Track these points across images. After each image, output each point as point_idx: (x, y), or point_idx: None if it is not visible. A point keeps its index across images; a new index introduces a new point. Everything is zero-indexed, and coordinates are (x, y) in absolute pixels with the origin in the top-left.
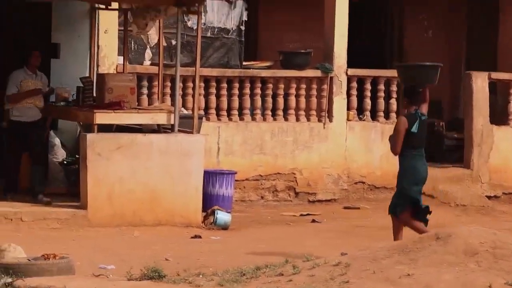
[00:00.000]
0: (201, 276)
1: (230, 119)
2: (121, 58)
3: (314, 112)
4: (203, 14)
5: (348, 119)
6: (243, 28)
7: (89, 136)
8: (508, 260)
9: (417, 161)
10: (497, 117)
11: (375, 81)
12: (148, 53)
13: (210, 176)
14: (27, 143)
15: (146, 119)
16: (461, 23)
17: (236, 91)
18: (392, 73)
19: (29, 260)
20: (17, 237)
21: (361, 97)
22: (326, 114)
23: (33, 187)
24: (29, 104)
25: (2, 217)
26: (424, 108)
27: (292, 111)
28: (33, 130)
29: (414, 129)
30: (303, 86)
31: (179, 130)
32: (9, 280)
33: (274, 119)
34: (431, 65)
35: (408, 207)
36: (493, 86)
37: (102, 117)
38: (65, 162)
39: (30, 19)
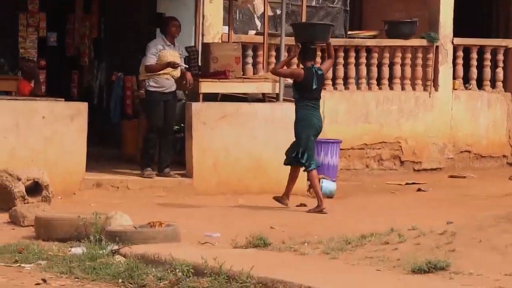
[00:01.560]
0: (306, 244)
1: (335, 88)
2: (226, 27)
3: (419, 81)
4: None
5: (453, 88)
6: None
7: (195, 105)
8: None
9: (310, 110)
10: None
11: (481, 50)
12: (256, 23)
13: (315, 145)
14: (163, 114)
15: (251, 88)
16: None
17: (341, 61)
18: (499, 42)
19: (135, 227)
20: (123, 205)
21: (467, 66)
22: (432, 83)
23: (161, 160)
24: (167, 75)
25: (109, 185)
26: (328, 63)
27: (397, 80)
28: (169, 101)
29: (315, 84)
30: (409, 55)
31: (284, 99)
32: (116, 247)
33: (379, 88)
34: (320, 23)
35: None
36: None
37: (207, 86)
38: None
39: None
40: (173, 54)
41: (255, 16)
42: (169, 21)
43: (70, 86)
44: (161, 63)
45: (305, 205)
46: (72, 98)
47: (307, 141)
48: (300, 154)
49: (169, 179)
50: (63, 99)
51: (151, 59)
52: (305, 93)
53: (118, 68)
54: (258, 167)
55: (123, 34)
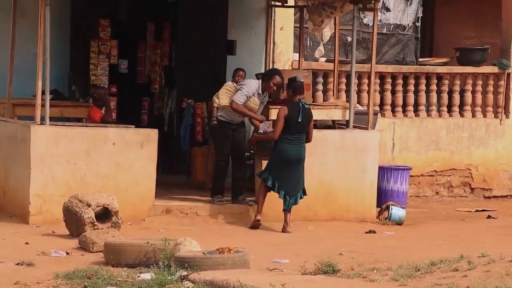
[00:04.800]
0: (375, 271)
1: (405, 115)
2: (297, 54)
3: (490, 108)
4: (379, 11)
5: None
6: (419, 24)
7: None
8: None
9: (289, 144)
10: None
11: None
12: (319, 50)
13: (385, 172)
14: (232, 143)
15: (321, 115)
16: None
17: (411, 87)
18: None
19: (204, 253)
20: (192, 231)
21: None
22: (503, 110)
23: (235, 187)
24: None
25: (178, 211)
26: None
27: (468, 107)
28: (238, 130)
29: (300, 118)
30: (480, 82)
31: (354, 126)
32: (185, 273)
33: (450, 115)
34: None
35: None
36: None
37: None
38: None
39: (207, 17)
40: (257, 103)
41: (322, 43)
42: (274, 76)
43: (141, 113)
44: (245, 111)
45: (374, 232)
46: (142, 125)
47: (273, 170)
48: (270, 182)
49: (238, 205)
50: (134, 126)
51: (241, 99)
52: (291, 128)
53: (189, 95)
54: (327, 194)
55: (194, 62)
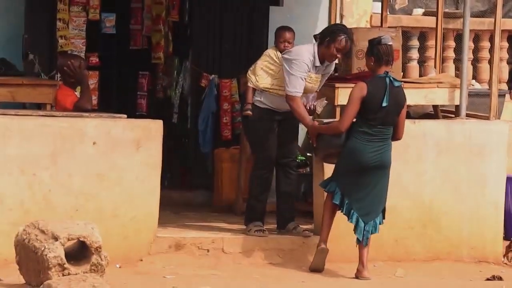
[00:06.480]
0: None
1: None
2: (378, 4)
3: None
4: None
5: None
6: None
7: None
8: None
9: (367, 143)
10: None
11: None
12: None
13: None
14: (278, 142)
15: (416, 97)
16: None
17: None
18: None
19: None
20: (216, 277)
21: None
22: None
23: (282, 210)
24: (282, 91)
25: (194, 246)
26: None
27: None
28: (286, 120)
29: (385, 102)
30: None
31: (468, 115)
32: None
33: None
34: None
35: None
36: None
37: (347, 94)
38: None
39: None
40: (314, 80)
41: None
42: (337, 36)
43: (136, 96)
44: (304, 115)
45: (500, 278)
46: (139, 114)
47: (342, 180)
48: (338, 197)
49: (288, 237)
50: (126, 116)
51: (300, 86)
52: (368, 114)
53: (210, 68)
54: (426, 219)
55: (218, 17)
